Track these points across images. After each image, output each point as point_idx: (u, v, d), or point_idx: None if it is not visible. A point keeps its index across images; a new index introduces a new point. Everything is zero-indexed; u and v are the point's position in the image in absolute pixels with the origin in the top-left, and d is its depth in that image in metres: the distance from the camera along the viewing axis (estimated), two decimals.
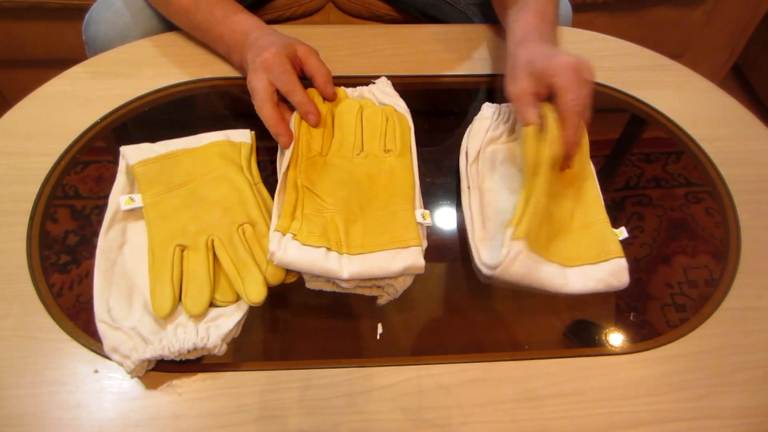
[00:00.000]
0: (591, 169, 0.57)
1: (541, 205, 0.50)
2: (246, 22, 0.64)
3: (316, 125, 0.57)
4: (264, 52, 0.58)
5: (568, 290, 0.48)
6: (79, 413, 0.43)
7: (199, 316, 0.46)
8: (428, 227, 0.53)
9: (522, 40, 0.59)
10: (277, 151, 0.58)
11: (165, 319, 0.45)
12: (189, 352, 0.44)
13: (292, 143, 0.55)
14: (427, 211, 0.52)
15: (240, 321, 0.46)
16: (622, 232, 0.53)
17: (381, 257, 0.48)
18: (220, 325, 0.45)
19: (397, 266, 0.47)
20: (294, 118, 0.57)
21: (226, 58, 0.67)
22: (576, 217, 0.53)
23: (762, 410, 0.45)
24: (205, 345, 0.44)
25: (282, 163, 0.55)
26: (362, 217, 0.51)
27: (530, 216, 0.48)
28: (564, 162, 0.54)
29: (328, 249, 0.47)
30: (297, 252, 0.47)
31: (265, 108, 0.56)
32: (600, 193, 0.56)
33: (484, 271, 0.50)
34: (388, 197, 0.53)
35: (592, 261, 0.50)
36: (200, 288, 0.46)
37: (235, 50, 0.64)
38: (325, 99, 0.60)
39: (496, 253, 0.49)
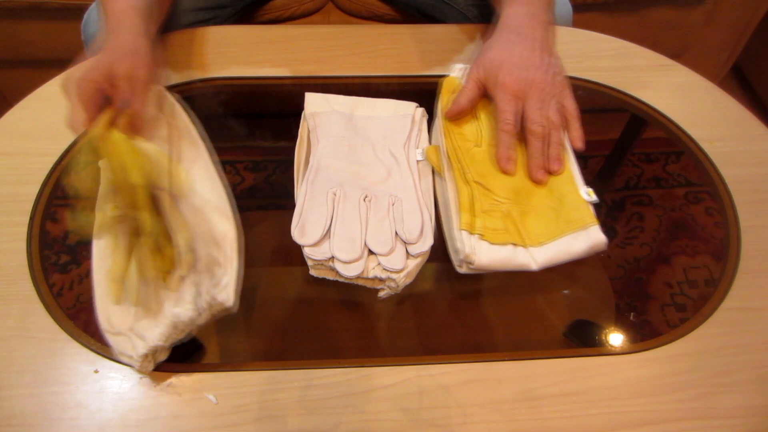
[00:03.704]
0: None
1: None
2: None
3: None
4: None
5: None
6: (79, 413, 0.43)
7: (170, 280, 0.45)
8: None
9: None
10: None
11: (118, 304, 0.45)
12: (201, 315, 0.44)
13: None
14: (590, 189, 0.54)
15: (238, 275, 0.46)
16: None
17: (563, 243, 0.50)
18: (221, 284, 0.45)
19: (581, 247, 0.50)
20: None
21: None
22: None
23: (762, 410, 0.45)
24: (214, 299, 0.44)
25: (300, 156, 0.54)
26: (533, 207, 0.53)
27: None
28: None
29: (515, 245, 0.50)
30: (489, 253, 0.49)
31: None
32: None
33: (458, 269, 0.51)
34: (551, 182, 0.55)
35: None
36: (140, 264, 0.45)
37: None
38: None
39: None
